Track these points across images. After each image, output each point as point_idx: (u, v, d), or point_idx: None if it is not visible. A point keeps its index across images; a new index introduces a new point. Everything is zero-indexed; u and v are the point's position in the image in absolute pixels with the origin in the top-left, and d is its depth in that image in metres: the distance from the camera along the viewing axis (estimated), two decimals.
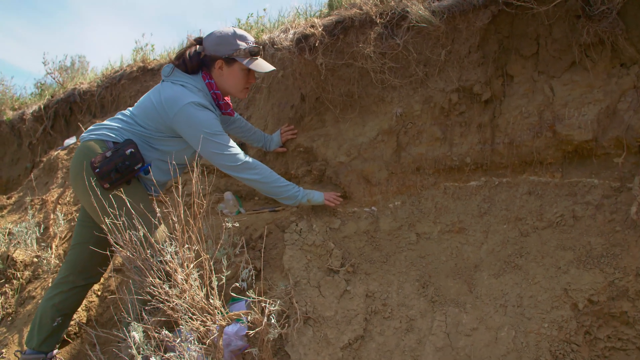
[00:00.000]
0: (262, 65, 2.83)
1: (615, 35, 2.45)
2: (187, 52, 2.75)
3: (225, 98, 2.90)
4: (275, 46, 3.20)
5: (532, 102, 2.70)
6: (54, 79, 7.00)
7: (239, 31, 2.77)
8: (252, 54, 2.77)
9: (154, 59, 5.59)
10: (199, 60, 2.76)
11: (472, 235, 2.77)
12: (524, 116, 2.71)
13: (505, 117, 2.78)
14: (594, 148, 2.56)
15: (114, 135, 2.65)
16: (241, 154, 2.74)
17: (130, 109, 2.80)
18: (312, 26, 3.09)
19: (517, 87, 2.79)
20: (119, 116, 2.77)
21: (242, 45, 2.75)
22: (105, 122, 2.76)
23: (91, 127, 2.74)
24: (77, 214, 4.32)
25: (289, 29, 3.24)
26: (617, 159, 2.52)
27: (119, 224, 2.21)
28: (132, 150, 2.59)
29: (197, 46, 2.79)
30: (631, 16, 2.47)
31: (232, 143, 2.73)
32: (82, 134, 2.73)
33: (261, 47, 2.85)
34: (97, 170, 2.52)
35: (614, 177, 2.52)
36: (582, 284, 2.33)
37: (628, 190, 2.44)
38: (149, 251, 2.24)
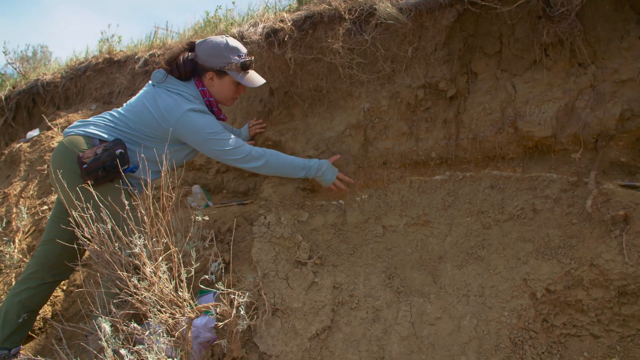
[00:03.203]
0: (253, 80, 2.87)
1: (574, 36, 2.54)
2: (180, 58, 2.76)
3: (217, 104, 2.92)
4: (244, 40, 3.20)
5: (495, 99, 2.79)
6: (15, 69, 6.83)
7: (232, 42, 2.79)
8: (244, 67, 2.80)
9: (121, 51, 5.51)
10: (192, 67, 2.78)
11: (437, 228, 2.85)
12: (487, 112, 2.79)
13: (469, 113, 2.86)
14: (553, 144, 2.66)
15: (101, 134, 2.64)
16: (245, 147, 2.78)
17: (120, 110, 2.79)
18: (282, 21, 3.11)
19: (480, 84, 2.87)
20: (107, 116, 2.75)
21: (235, 59, 2.77)
22: (91, 119, 2.75)
23: (76, 123, 2.72)
24: (41, 209, 4.24)
25: (258, 23, 3.25)
26: (575, 154, 2.62)
27: (93, 218, 2.20)
28: (122, 150, 2.59)
29: (189, 53, 2.79)
30: (589, 18, 2.57)
31: (234, 138, 2.77)
32: (66, 129, 2.70)
33: (253, 58, 2.88)
34: (85, 166, 2.50)
35: (571, 172, 2.63)
36: (540, 274, 2.43)
37: (584, 185, 2.55)
38: (117, 244, 2.23)
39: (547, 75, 2.67)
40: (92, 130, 2.66)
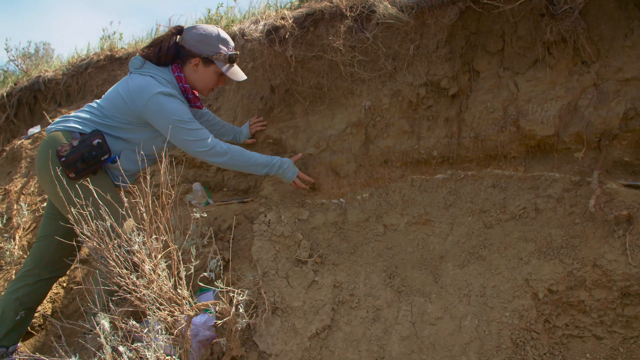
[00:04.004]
0: (237, 74, 2.88)
1: (577, 34, 2.52)
2: (167, 42, 2.74)
3: (193, 92, 2.90)
4: (245, 37, 3.19)
5: (497, 97, 2.77)
6: (17, 66, 6.82)
7: (223, 34, 2.80)
8: (231, 60, 2.81)
9: (122, 48, 5.50)
10: (176, 51, 2.76)
11: (438, 227, 2.83)
12: (489, 111, 2.77)
13: (471, 111, 2.84)
14: (556, 143, 2.64)
15: (80, 127, 2.62)
16: (210, 139, 2.75)
17: (98, 100, 2.78)
18: (283, 18, 3.09)
19: (483, 82, 2.85)
20: (86, 108, 2.74)
21: (224, 50, 2.78)
22: (72, 113, 2.73)
23: (57, 119, 2.72)
24: (42, 205, 4.24)
25: (260, 20, 3.23)
26: (578, 153, 2.60)
27: (85, 214, 2.18)
28: (99, 140, 2.57)
29: (177, 36, 2.77)
30: (592, 16, 2.55)
31: (201, 129, 2.74)
32: (48, 126, 2.69)
33: (238, 52, 2.89)
34: (63, 159, 2.50)
35: (574, 171, 2.61)
36: (542, 274, 2.41)
37: (587, 184, 2.53)
38: (116, 241, 2.22)
39: (550, 73, 2.65)
40: (71, 124, 2.64)
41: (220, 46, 2.77)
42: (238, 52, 2.88)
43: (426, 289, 2.64)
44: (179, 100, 2.71)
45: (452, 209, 2.84)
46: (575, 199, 2.54)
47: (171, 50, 2.73)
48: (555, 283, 2.37)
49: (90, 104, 2.78)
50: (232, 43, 2.84)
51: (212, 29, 2.78)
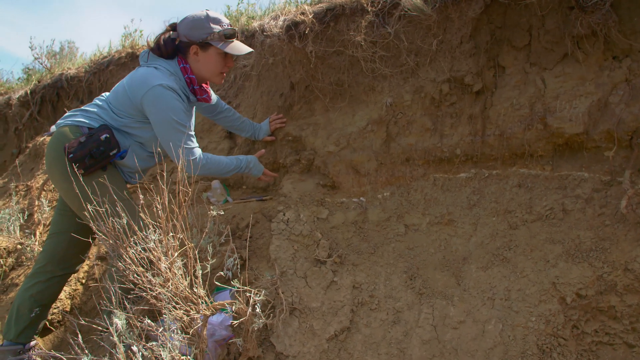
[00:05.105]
0: (239, 48, 2.78)
1: (608, 27, 2.43)
2: (162, 38, 2.72)
3: (204, 85, 2.86)
4: (265, 33, 3.16)
5: (524, 94, 2.68)
6: (42, 64, 6.89)
7: (212, 14, 2.73)
8: (227, 36, 2.72)
9: (143, 45, 5.51)
10: (174, 46, 2.72)
11: (461, 228, 2.76)
12: (515, 108, 2.69)
13: (496, 108, 2.76)
14: (585, 141, 2.55)
15: (88, 121, 2.61)
16: (196, 149, 2.73)
17: (106, 93, 2.76)
18: (303, 13, 3.05)
19: (508, 78, 2.77)
20: (96, 101, 2.74)
21: (216, 28, 2.69)
22: (82, 107, 2.72)
23: (67, 114, 2.70)
24: None
25: (279, 16, 3.20)
26: (608, 152, 2.51)
27: (97, 210, 2.16)
28: (107, 135, 2.54)
29: (172, 32, 2.75)
30: (624, 8, 2.45)
31: (192, 135, 2.73)
32: (58, 121, 2.68)
33: (236, 29, 2.83)
34: (71, 155, 2.47)
35: (604, 171, 2.51)
36: (570, 277, 2.33)
37: (618, 184, 2.43)
38: (132, 239, 2.19)
39: (579, 69, 2.56)
40: (79, 118, 2.63)
41: (212, 25, 2.69)
42: (235, 28, 2.79)
43: (448, 292, 2.57)
44: (180, 98, 2.66)
45: (476, 209, 2.76)
46: (606, 200, 2.44)
47: (168, 45, 2.70)
48: (584, 287, 2.28)
49: (100, 96, 2.76)
50: (225, 21, 2.75)
51: (201, 12, 2.72)
